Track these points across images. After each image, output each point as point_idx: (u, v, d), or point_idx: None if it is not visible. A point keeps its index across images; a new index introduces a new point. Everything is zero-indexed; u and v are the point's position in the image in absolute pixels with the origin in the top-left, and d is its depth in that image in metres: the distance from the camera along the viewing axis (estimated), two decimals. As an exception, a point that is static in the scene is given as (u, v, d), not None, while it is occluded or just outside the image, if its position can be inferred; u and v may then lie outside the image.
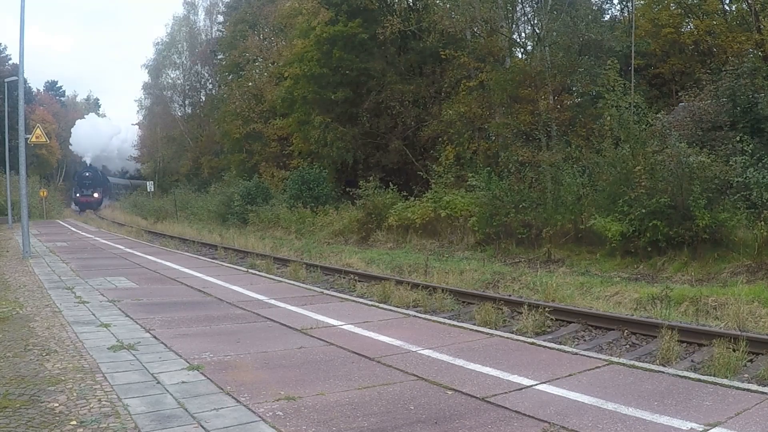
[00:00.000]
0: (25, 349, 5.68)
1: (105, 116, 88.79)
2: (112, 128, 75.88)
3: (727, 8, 25.37)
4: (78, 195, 63.60)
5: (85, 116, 78.90)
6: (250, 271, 12.84)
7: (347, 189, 25.55)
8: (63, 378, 4.72)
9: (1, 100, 37.63)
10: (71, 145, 72.55)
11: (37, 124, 26.07)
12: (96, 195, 62.92)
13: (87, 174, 64.20)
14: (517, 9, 26.47)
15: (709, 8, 24.82)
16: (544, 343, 6.32)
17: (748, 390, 4.64)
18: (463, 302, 10.17)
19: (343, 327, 6.96)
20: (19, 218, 20.30)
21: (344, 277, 12.94)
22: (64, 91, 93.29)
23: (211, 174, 45.69)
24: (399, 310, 8.41)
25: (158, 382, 4.69)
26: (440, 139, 25.18)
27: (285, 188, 29.96)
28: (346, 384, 4.75)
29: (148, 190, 43.88)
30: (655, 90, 24.78)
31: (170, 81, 56.23)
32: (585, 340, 7.83)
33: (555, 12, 23.03)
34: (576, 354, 5.82)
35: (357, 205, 23.22)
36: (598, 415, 4.07)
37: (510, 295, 10.55)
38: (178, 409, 4.11)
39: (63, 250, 17.32)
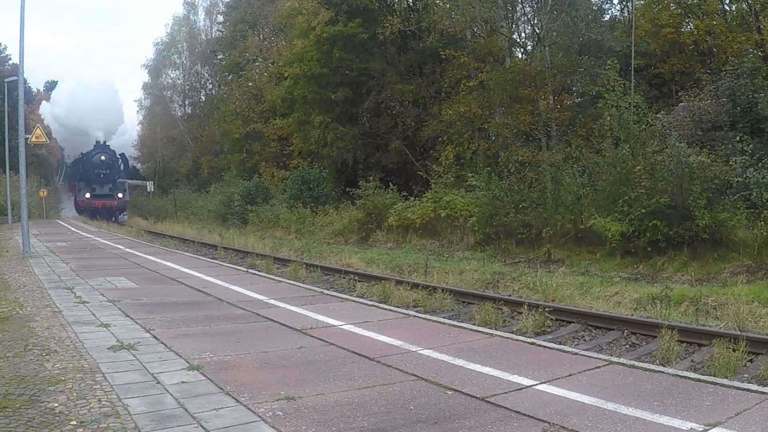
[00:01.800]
0: (25, 349, 5.68)
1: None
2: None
3: (727, 8, 25.37)
4: (88, 196, 41.01)
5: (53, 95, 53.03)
6: (250, 271, 12.84)
7: (347, 189, 25.56)
8: (63, 378, 4.72)
9: (1, 100, 37.62)
10: (48, 130, 47.55)
11: (37, 124, 26.13)
12: (120, 195, 42.52)
13: (102, 159, 41.26)
14: (517, 9, 26.51)
15: (709, 8, 24.81)
16: (544, 343, 6.31)
17: (748, 390, 4.64)
18: (463, 302, 10.17)
19: (343, 327, 6.96)
20: (19, 218, 20.31)
21: (344, 277, 12.94)
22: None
23: (211, 174, 45.70)
24: (399, 310, 8.41)
25: (158, 382, 4.69)
26: (440, 139, 25.20)
27: (285, 188, 29.98)
28: (346, 384, 4.75)
29: (148, 190, 43.77)
30: (655, 90, 24.78)
31: (170, 81, 56.24)
32: (585, 340, 7.83)
33: (555, 12, 23.05)
34: (576, 354, 5.82)
35: (357, 205, 23.22)
36: (598, 415, 4.07)
37: (510, 295, 10.55)
38: (178, 409, 4.11)
39: (63, 250, 17.32)
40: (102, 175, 41.16)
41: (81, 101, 47.91)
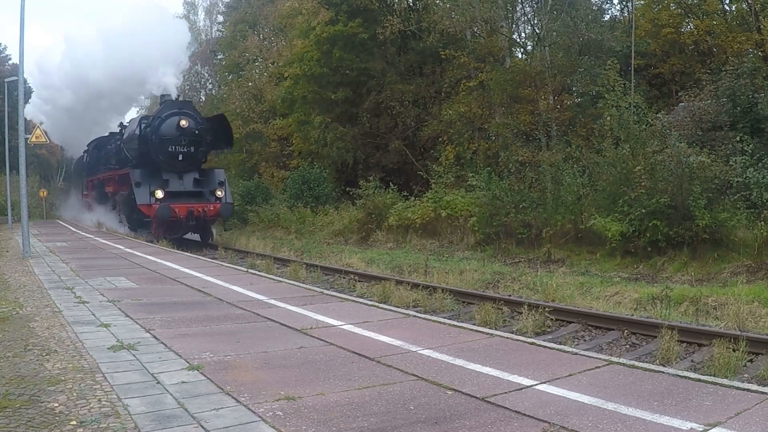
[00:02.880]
0: (25, 349, 5.68)
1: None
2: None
3: (727, 8, 25.40)
4: (161, 195, 20.23)
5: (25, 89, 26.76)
6: (250, 271, 12.83)
7: (347, 189, 25.55)
8: (63, 378, 4.72)
9: (1, 100, 37.57)
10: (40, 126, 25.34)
11: (37, 124, 26.04)
12: (220, 194, 21.68)
13: (183, 124, 20.21)
14: (517, 9, 26.54)
15: (709, 8, 24.84)
16: (544, 343, 6.31)
17: (748, 390, 4.63)
18: (463, 302, 10.17)
19: (343, 327, 6.96)
20: (19, 218, 20.30)
21: (344, 277, 12.94)
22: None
23: (211, 174, 45.60)
24: (399, 310, 8.40)
25: (158, 382, 4.69)
26: (440, 139, 25.21)
27: (285, 188, 29.98)
28: (346, 384, 4.75)
29: None
30: (655, 90, 24.81)
31: (170, 81, 56.11)
32: (585, 340, 7.84)
33: (555, 12, 23.08)
34: (576, 354, 5.82)
35: (357, 205, 23.22)
36: (598, 415, 4.07)
37: (510, 295, 10.55)
38: (178, 409, 4.11)
39: (63, 250, 17.31)
40: (181, 157, 20.83)
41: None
